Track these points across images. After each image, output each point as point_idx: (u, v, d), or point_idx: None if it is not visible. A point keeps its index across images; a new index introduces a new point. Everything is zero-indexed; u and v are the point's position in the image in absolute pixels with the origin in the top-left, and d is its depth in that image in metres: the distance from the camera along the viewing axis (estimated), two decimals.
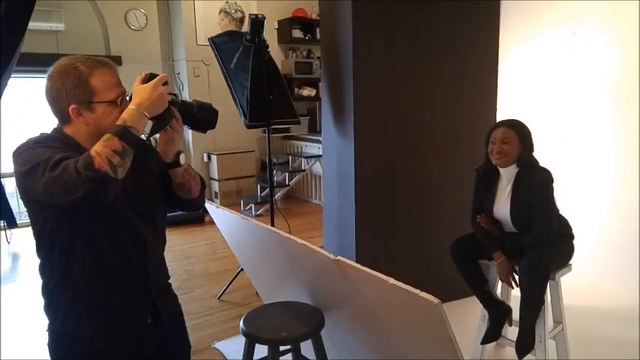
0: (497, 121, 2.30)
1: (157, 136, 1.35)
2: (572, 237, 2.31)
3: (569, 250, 2.29)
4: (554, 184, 2.20)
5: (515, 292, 2.24)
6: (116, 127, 1.15)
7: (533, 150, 2.24)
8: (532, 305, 2.14)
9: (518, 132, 2.20)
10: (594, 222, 3.47)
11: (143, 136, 1.25)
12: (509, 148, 2.19)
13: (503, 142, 2.19)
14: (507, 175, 2.27)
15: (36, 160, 1.13)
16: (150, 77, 1.26)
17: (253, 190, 6.27)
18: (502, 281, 2.28)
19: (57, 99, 1.24)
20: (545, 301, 2.20)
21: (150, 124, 1.25)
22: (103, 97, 1.24)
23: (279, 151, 6.43)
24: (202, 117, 1.39)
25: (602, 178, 3.57)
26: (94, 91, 1.23)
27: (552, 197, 2.21)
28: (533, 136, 2.25)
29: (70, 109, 1.23)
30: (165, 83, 1.26)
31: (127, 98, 1.27)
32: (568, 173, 3.61)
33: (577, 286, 2.90)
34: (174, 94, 1.35)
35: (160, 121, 1.29)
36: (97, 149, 1.10)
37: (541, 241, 2.15)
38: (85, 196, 1.07)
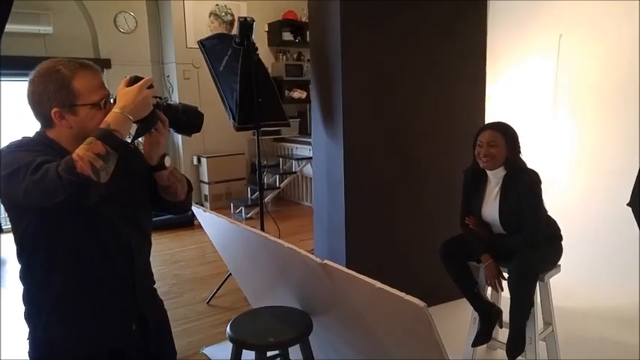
0: (485, 123, 2.31)
1: (142, 138, 1.34)
2: (560, 238, 2.32)
3: (557, 251, 2.30)
4: (542, 186, 2.21)
5: (505, 294, 2.23)
6: (99, 131, 1.13)
7: (520, 152, 2.25)
8: (521, 307, 2.14)
9: (505, 134, 2.21)
10: (585, 223, 3.49)
11: (128, 139, 1.23)
12: (496, 152, 2.19)
13: (490, 146, 2.20)
14: (495, 177, 2.27)
15: (17, 164, 1.11)
16: (134, 80, 1.24)
17: (244, 192, 6.24)
18: (488, 285, 2.29)
19: (39, 103, 1.22)
20: (535, 302, 2.20)
21: (135, 126, 1.24)
22: (85, 99, 1.23)
23: (270, 154, 6.41)
24: (187, 120, 1.38)
25: (592, 179, 3.59)
26: (76, 94, 1.22)
27: (540, 198, 2.22)
28: (520, 138, 2.26)
29: (52, 112, 1.21)
30: (151, 86, 1.25)
31: (112, 101, 1.26)
32: (558, 174, 3.63)
33: (567, 287, 2.91)
34: (160, 97, 1.34)
35: (145, 124, 1.28)
36: (80, 153, 1.08)
37: (530, 242, 2.15)
38: (66, 200, 1.05)
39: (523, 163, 2.25)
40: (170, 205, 1.45)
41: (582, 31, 3.58)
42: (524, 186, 2.17)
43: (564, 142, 3.74)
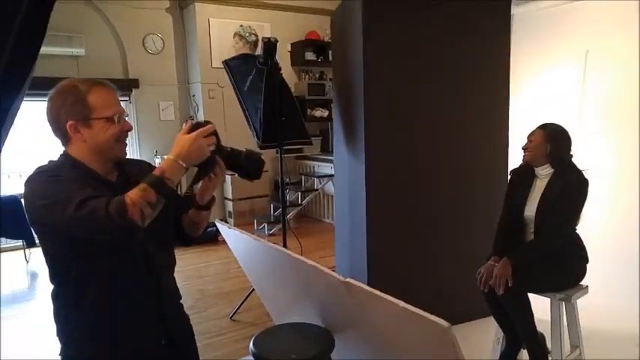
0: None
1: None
2: (581, 257, 2.28)
3: (574, 270, 2.26)
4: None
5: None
6: (153, 178, 1.17)
7: (566, 151, 2.26)
8: (521, 320, 2.17)
9: (547, 130, 2.25)
10: (617, 242, 3.40)
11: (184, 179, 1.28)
12: (532, 145, 2.26)
13: (529, 140, 2.28)
14: (543, 175, 2.29)
15: (56, 197, 1.15)
16: (195, 126, 1.26)
17: (267, 209, 6.30)
18: (491, 282, 2.19)
19: (56, 117, 1.27)
20: (562, 324, 2.16)
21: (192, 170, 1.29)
22: (100, 113, 1.27)
23: (292, 171, 6.46)
24: (248, 165, 1.39)
25: (624, 199, 3.50)
26: (91, 108, 1.26)
27: (576, 202, 2.21)
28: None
29: (67, 125, 1.25)
30: (213, 134, 1.27)
31: (126, 118, 1.32)
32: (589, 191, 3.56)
33: (596, 308, 2.83)
34: (230, 148, 1.36)
35: (201, 171, 1.32)
36: (133, 197, 1.12)
37: (538, 240, 2.20)
38: (112, 238, 1.14)
39: (571, 162, 2.27)
40: (186, 238, 1.51)
41: (609, 46, 3.54)
42: (569, 184, 2.19)
43: (591, 157, 3.66)
